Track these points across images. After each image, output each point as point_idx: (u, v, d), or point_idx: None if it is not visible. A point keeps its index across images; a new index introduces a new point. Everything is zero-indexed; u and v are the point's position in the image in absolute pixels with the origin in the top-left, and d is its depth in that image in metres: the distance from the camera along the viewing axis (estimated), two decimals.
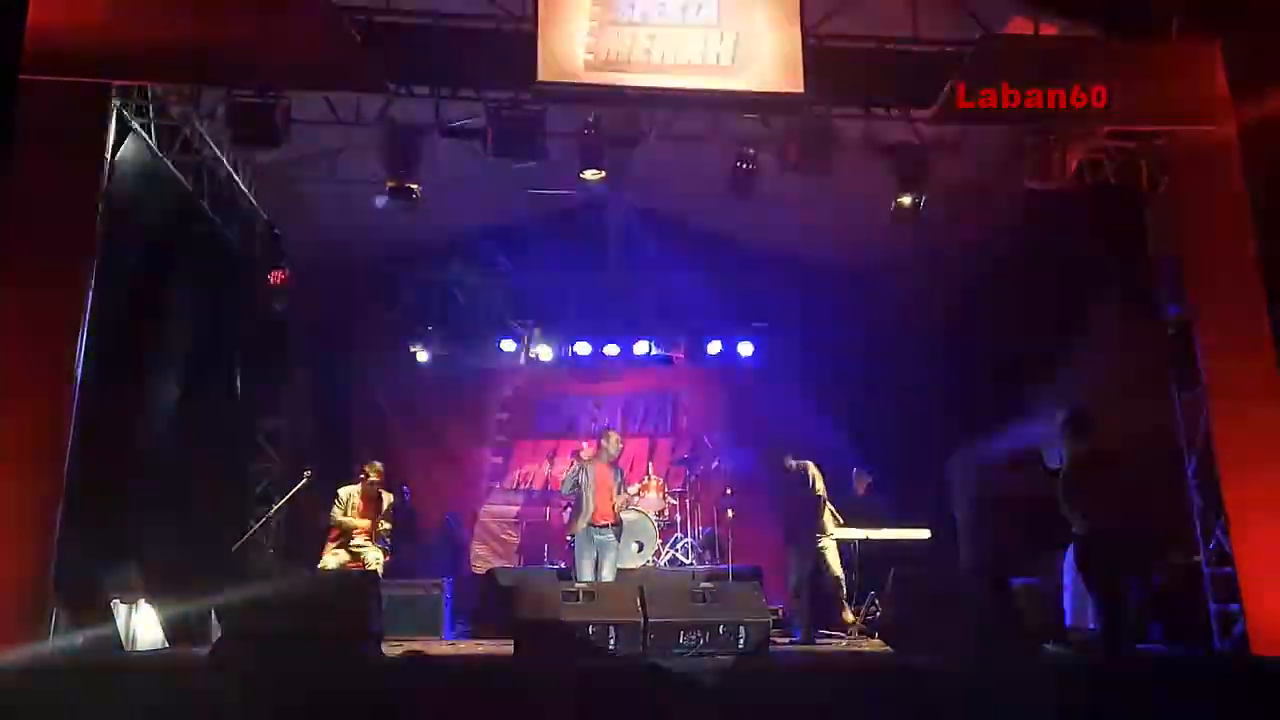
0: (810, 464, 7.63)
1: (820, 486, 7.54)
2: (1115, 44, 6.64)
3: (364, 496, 7.43)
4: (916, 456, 10.72)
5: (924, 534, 8.67)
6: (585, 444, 8.80)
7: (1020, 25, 6.58)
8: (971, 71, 6.13)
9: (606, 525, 7.41)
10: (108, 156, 5.72)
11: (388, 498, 7.51)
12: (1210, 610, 6.20)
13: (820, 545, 7.39)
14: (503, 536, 10.72)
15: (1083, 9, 6.64)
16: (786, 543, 7.59)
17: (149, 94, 6.31)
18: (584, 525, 7.36)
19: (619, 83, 6.09)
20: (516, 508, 10.86)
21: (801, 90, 6.12)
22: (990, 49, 6.25)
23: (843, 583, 7.42)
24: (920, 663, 5.16)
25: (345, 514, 7.35)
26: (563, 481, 7.87)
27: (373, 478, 7.45)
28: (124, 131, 6.02)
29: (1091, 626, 6.70)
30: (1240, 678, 4.90)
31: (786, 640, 7.47)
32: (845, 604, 7.45)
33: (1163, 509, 6.89)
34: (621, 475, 7.84)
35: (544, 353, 10.53)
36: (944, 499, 10.05)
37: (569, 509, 7.57)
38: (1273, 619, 5.70)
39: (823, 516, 7.51)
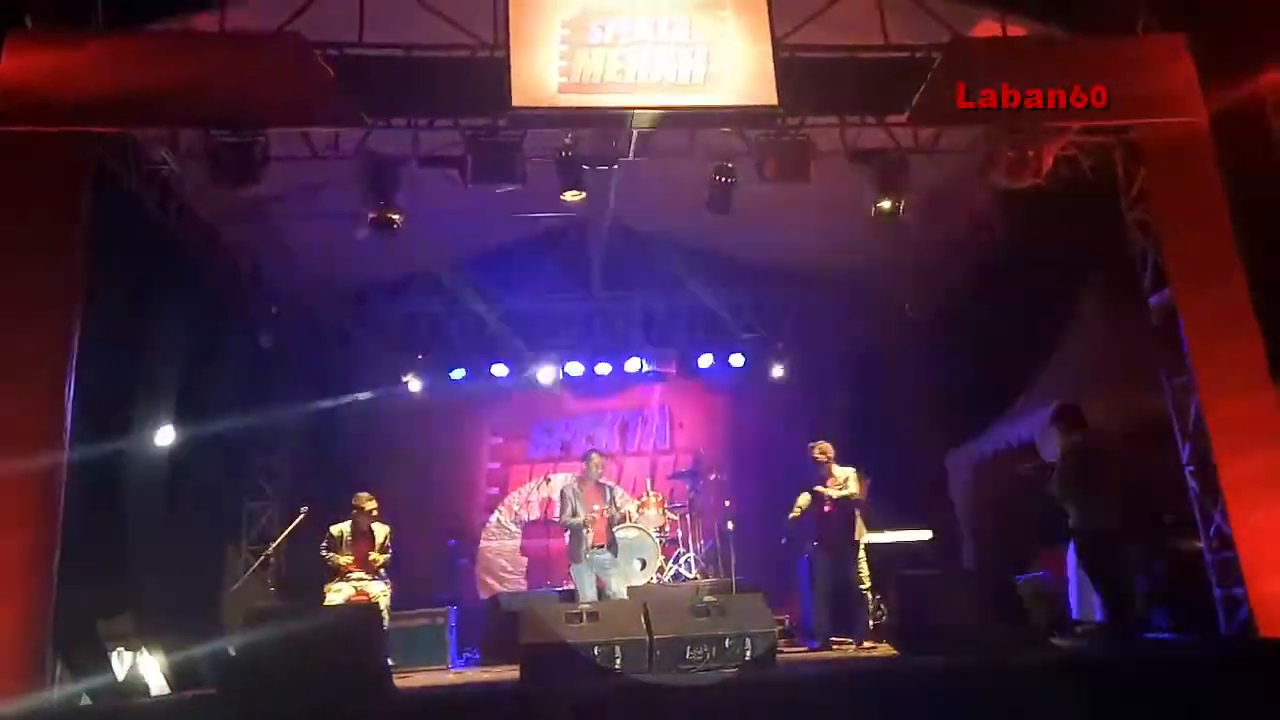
0: (851, 471, 7.60)
1: (858, 492, 7.47)
2: (1083, 42, 6.71)
3: (356, 531, 7.36)
4: (914, 457, 10.74)
5: (926, 534, 8.66)
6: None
7: (987, 27, 6.65)
8: (940, 75, 6.17)
9: (601, 546, 7.43)
10: (87, 203, 5.71)
11: (382, 530, 7.44)
12: (1214, 595, 6.19)
13: (858, 554, 7.36)
14: (507, 569, 10.73)
15: (1049, 9, 6.71)
16: (818, 547, 7.49)
17: (128, 139, 6.33)
18: (583, 550, 7.38)
19: (593, 104, 6.12)
20: (517, 541, 10.85)
21: (775, 102, 6.14)
22: (959, 52, 6.30)
23: (869, 593, 7.37)
24: (928, 663, 5.16)
25: (338, 551, 7.29)
26: (558, 518, 7.86)
27: (364, 509, 7.38)
28: (103, 177, 6.02)
29: (1098, 618, 6.70)
30: (1246, 661, 4.91)
31: (797, 649, 7.45)
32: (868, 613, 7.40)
33: (1161, 497, 6.91)
34: (611, 492, 7.84)
35: (544, 375, 10.55)
36: (944, 498, 10.06)
37: (572, 534, 7.56)
38: (1277, 600, 5.70)
39: (857, 524, 7.47)
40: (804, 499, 7.49)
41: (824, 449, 7.62)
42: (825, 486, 7.43)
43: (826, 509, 7.38)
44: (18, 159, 5.56)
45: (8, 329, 5.40)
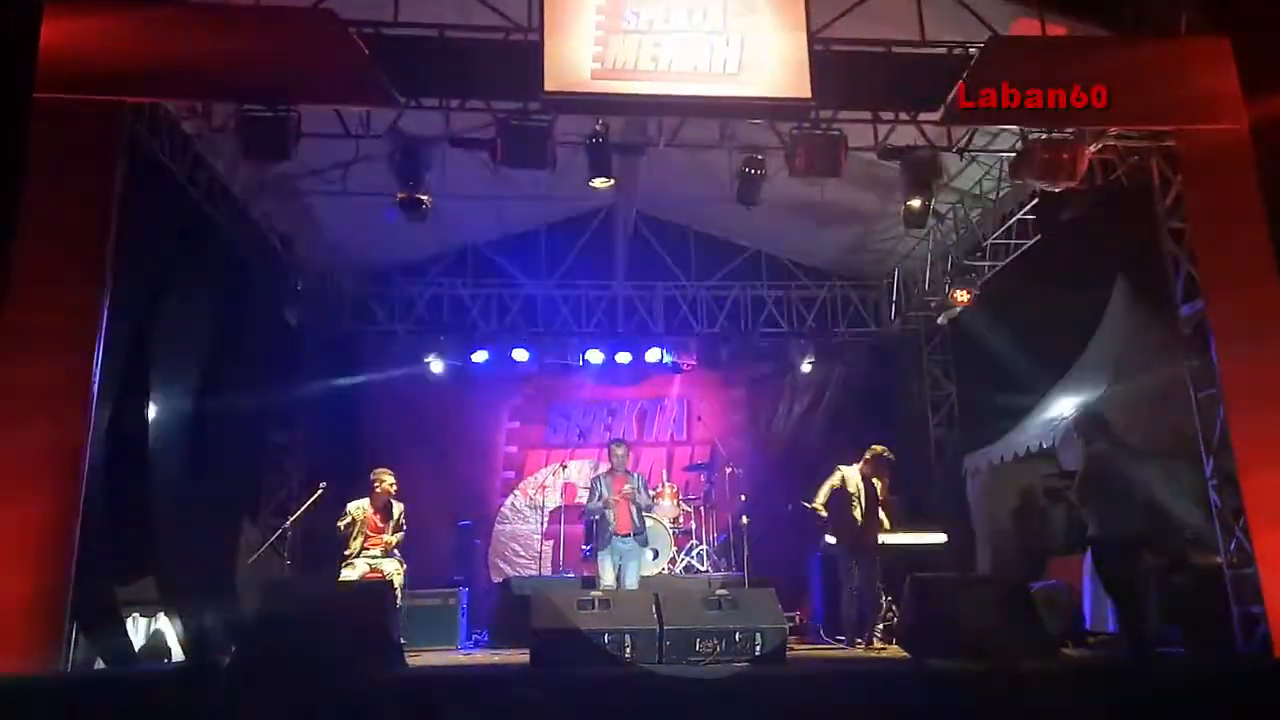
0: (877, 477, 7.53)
1: (883, 494, 7.42)
2: (1123, 43, 6.60)
3: (374, 506, 7.40)
4: (931, 460, 10.67)
5: (940, 538, 8.61)
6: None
7: (1027, 26, 6.55)
8: (976, 73, 6.10)
9: (628, 534, 7.42)
10: (120, 173, 5.76)
11: (398, 507, 7.47)
12: (1232, 612, 6.11)
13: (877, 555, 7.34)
14: (520, 554, 10.77)
15: (1090, 8, 6.61)
16: (850, 549, 7.39)
17: (161, 110, 6.38)
18: (608, 536, 7.39)
19: (626, 91, 6.09)
20: (532, 525, 10.85)
21: (809, 95, 6.09)
22: (996, 50, 6.22)
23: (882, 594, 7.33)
24: (937, 668, 5.13)
25: (355, 526, 7.31)
26: (587, 506, 7.85)
27: (384, 485, 7.41)
28: (136, 148, 6.06)
29: (1111, 629, 6.64)
30: (1263, 679, 4.84)
31: (807, 646, 7.43)
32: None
33: (1182, 509, 6.83)
34: (639, 480, 7.80)
35: (564, 360, 10.61)
36: (961, 501, 9.99)
37: (597, 520, 7.56)
38: None
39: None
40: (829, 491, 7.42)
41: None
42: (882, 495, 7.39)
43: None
44: (53, 127, 5.59)
45: (37, 295, 5.44)
